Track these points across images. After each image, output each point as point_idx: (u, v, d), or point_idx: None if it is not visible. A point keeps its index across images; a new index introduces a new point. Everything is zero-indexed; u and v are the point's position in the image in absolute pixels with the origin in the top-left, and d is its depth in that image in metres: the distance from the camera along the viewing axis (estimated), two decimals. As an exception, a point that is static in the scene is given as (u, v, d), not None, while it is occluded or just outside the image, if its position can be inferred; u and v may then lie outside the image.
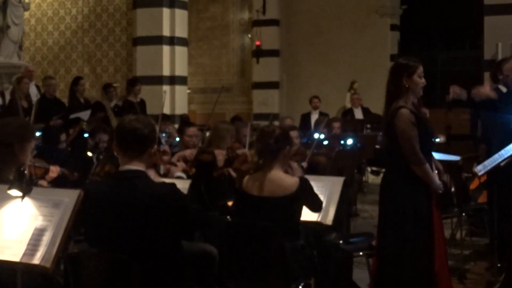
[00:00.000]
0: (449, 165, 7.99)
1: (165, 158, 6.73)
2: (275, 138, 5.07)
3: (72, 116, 11.19)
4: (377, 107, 13.50)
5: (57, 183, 6.35)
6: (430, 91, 5.56)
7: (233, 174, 7.06)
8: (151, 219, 3.87)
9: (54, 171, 6.22)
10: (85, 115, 11.10)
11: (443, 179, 5.68)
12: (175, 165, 6.91)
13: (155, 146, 4.17)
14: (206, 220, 4.51)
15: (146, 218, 3.87)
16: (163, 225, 3.90)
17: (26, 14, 15.52)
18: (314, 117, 14.11)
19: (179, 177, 6.47)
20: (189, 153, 7.13)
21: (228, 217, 5.65)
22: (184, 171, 6.76)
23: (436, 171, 5.52)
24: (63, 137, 8.63)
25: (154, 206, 3.88)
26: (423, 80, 5.40)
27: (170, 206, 3.90)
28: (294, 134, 8.81)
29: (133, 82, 12.85)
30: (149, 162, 4.20)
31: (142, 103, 12.79)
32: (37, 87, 13.08)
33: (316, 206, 5.19)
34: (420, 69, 5.38)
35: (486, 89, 6.91)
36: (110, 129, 9.30)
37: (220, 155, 7.08)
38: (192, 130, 7.72)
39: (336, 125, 11.39)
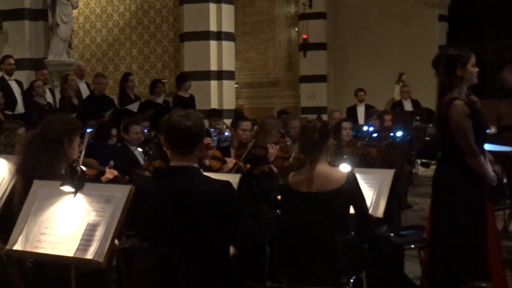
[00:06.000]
0: (501, 156, 7.89)
1: (210, 152, 6.77)
2: (318, 132, 5.04)
3: (121, 108, 11.31)
4: (426, 98, 13.42)
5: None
6: (480, 82, 5.48)
7: (275, 169, 7.03)
8: (204, 215, 3.85)
9: (111, 173, 6.30)
10: (134, 107, 11.19)
11: (494, 170, 5.63)
12: (226, 162, 6.92)
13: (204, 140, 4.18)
14: (258, 241, 4.23)
15: (199, 213, 3.85)
16: (215, 223, 3.86)
17: (75, 12, 15.70)
18: (360, 109, 14.05)
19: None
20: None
21: (278, 211, 5.64)
22: (238, 167, 6.75)
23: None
24: (114, 131, 8.66)
25: (210, 202, 3.85)
26: (476, 69, 5.35)
27: (225, 205, 3.87)
28: (347, 125, 8.90)
29: (183, 78, 12.96)
30: (198, 156, 4.20)
31: (192, 98, 12.87)
32: (87, 84, 13.20)
33: (361, 209, 5.11)
34: (473, 58, 5.33)
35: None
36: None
37: (272, 148, 7.07)
38: (246, 124, 7.73)
39: (387, 117, 11.38)
